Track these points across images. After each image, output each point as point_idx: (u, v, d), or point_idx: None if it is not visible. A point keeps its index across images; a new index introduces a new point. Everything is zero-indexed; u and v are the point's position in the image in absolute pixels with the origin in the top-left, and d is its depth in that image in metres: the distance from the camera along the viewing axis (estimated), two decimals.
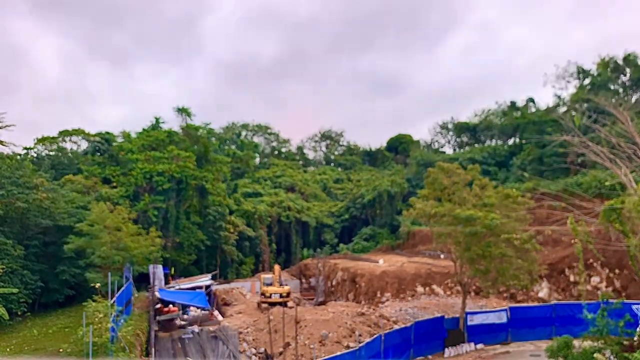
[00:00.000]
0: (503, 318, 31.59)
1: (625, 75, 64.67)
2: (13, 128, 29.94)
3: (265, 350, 29.81)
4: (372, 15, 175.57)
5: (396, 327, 31.01)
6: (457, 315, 31.80)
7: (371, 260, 52.10)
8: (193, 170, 51.16)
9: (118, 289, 28.93)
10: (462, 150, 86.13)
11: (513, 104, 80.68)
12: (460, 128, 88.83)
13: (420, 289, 42.99)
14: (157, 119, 59.11)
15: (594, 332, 19.16)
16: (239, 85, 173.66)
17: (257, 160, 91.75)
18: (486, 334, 31.21)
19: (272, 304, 36.79)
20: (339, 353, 24.59)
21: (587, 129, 44.26)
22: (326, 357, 23.45)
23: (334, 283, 50.18)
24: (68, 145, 58.52)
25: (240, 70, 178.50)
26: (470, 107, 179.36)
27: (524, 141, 69.67)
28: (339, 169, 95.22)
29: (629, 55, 63.54)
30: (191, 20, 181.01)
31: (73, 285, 35.84)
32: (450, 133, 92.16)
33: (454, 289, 41.74)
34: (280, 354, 29.09)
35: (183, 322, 32.57)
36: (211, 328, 31.30)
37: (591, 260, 34.45)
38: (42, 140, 56.21)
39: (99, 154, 56.53)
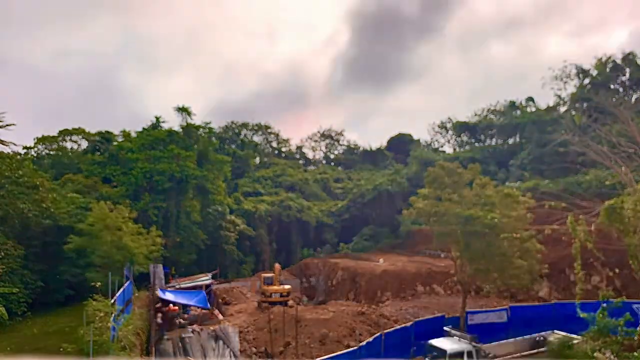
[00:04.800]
0: (503, 317, 31.59)
1: (624, 74, 64.63)
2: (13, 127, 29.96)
3: (266, 349, 29.85)
4: None
5: (396, 326, 31.01)
6: (458, 315, 31.81)
7: (371, 260, 52.11)
8: (193, 169, 51.10)
9: (118, 289, 28.92)
10: (462, 149, 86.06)
11: (512, 103, 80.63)
12: (460, 127, 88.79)
13: (420, 288, 43.00)
14: (157, 118, 59.03)
15: (594, 331, 19.19)
16: None
17: (257, 159, 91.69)
18: (487, 333, 31.20)
19: (273, 303, 36.81)
20: (339, 352, 24.61)
21: (587, 128, 44.25)
22: (326, 356, 23.45)
23: (334, 282, 50.19)
24: (68, 145, 58.50)
25: None
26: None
27: (524, 140, 69.65)
28: (339, 168, 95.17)
29: (628, 54, 63.52)
30: None
31: (73, 285, 35.80)
32: (450, 132, 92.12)
33: (455, 289, 41.75)
34: (281, 353, 29.13)
35: (183, 322, 32.58)
36: (211, 327, 31.31)
37: (591, 260, 34.44)
38: (42, 140, 56.20)
39: (99, 153, 56.46)
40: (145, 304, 36.20)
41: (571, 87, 68.23)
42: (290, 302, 37.60)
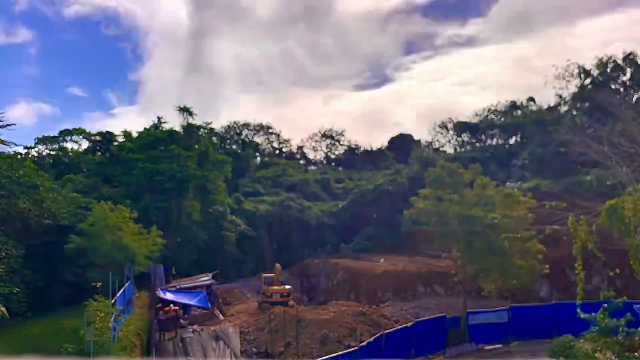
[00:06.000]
0: (504, 318, 31.58)
1: (625, 74, 64.56)
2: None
3: (266, 349, 29.85)
4: None
5: (397, 326, 30.98)
6: (458, 315, 31.80)
7: (372, 260, 52.08)
8: (194, 169, 51.11)
9: (119, 289, 28.95)
10: (462, 149, 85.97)
11: (513, 102, 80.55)
12: (461, 127, 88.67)
13: (421, 288, 43.00)
14: (158, 118, 58.99)
15: (595, 332, 19.15)
16: None
17: (258, 159, 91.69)
18: (487, 333, 31.21)
19: (274, 303, 36.81)
20: (340, 353, 24.60)
21: (588, 128, 44.20)
22: (327, 356, 23.44)
23: (334, 283, 50.18)
24: (69, 145, 58.55)
25: None
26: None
27: (525, 140, 69.55)
28: (340, 168, 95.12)
29: (629, 54, 63.43)
30: None
31: (74, 285, 35.81)
32: (450, 132, 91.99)
33: (455, 289, 41.68)
34: (281, 353, 29.12)
35: (184, 322, 32.57)
36: (212, 327, 31.31)
37: (592, 260, 34.40)
38: (42, 140, 56.25)
39: (100, 153, 56.50)
40: (146, 304, 36.24)
41: (572, 87, 68.10)
42: (291, 302, 37.59)
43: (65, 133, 58.17)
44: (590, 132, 47.00)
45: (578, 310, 19.99)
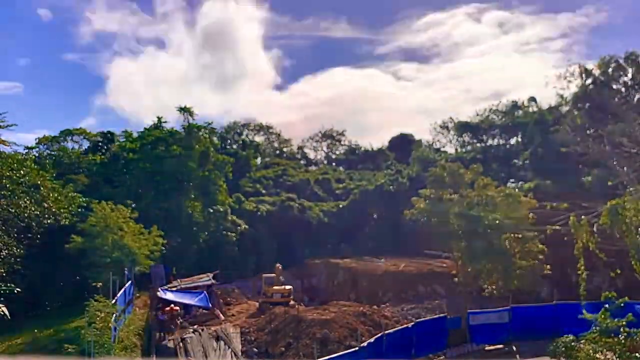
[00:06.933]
0: (505, 318, 31.50)
1: (627, 74, 64.38)
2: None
3: (267, 349, 29.82)
4: None
5: (398, 327, 30.93)
6: (459, 315, 31.74)
7: (373, 260, 52.07)
8: (195, 169, 51.13)
9: (119, 289, 28.95)
10: (463, 149, 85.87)
11: (514, 103, 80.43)
12: (461, 127, 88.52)
13: (421, 288, 42.91)
14: (159, 119, 58.94)
15: (596, 332, 19.12)
16: None
17: (259, 160, 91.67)
18: (488, 333, 31.16)
19: (274, 304, 36.79)
20: (340, 353, 24.59)
21: (589, 129, 44.24)
22: (328, 357, 23.43)
23: (335, 283, 50.15)
24: (69, 145, 58.56)
25: None
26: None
27: (526, 140, 69.49)
28: (341, 168, 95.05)
29: (631, 54, 63.26)
30: None
31: (74, 285, 35.83)
32: (451, 132, 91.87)
33: (456, 289, 41.67)
34: (282, 354, 29.09)
35: (184, 322, 32.57)
36: (212, 328, 31.30)
37: (593, 260, 34.36)
38: (43, 140, 56.27)
39: (100, 153, 56.50)
40: (147, 304, 36.28)
41: (573, 87, 67.90)
42: (292, 303, 37.58)
43: (66, 133, 58.21)
44: (592, 132, 47.00)
45: (583, 310, 19.96)
